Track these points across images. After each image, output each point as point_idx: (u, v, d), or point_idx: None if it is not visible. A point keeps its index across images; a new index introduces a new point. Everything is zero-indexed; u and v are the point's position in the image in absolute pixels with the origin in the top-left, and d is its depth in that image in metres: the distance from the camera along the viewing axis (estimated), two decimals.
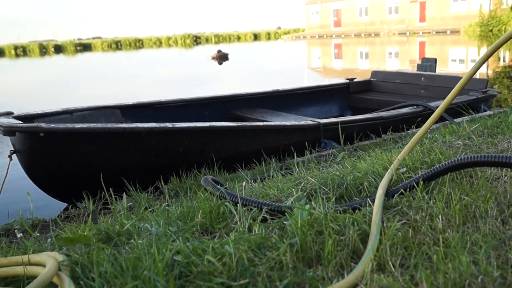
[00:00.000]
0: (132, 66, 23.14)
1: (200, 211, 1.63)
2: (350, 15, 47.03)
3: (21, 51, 47.36)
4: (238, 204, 1.56)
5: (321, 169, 2.42)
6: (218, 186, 1.71)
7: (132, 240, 1.45)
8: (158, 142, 3.28)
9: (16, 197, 3.10)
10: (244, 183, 1.97)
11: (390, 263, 1.13)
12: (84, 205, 2.52)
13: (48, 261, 1.16)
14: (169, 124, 3.24)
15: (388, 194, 1.58)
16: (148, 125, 3.17)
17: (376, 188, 1.63)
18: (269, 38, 58.05)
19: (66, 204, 3.29)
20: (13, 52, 46.39)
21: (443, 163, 1.59)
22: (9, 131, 2.83)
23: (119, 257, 1.22)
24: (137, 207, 2.25)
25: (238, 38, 58.66)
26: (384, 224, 1.33)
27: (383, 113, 4.08)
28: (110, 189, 2.38)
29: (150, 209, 2.23)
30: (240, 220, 1.49)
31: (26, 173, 3.15)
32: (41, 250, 1.46)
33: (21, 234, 1.82)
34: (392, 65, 14.95)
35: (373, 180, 1.74)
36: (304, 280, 1.09)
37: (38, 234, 1.81)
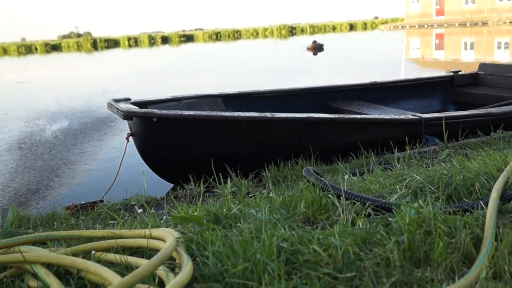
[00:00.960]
0: (230, 56, 23.78)
1: (303, 201, 1.67)
2: (455, 3, 43.92)
3: (133, 42, 51.00)
4: (341, 197, 1.58)
5: (424, 166, 2.34)
6: (322, 178, 1.74)
7: (238, 224, 1.53)
8: (258, 131, 3.38)
9: (131, 175, 3.38)
10: (346, 176, 1.97)
11: (508, 273, 1.08)
12: (190, 187, 2.68)
13: (168, 236, 1.27)
14: (268, 114, 3.32)
15: (504, 198, 1.50)
16: (249, 114, 3.28)
17: (489, 190, 1.55)
18: (365, 28, 56.35)
19: (172, 185, 3.52)
20: (126, 43, 50.01)
21: None
22: (128, 115, 3.10)
23: (230, 238, 1.30)
24: (238, 193, 2.35)
25: (334, 28, 57.67)
26: (500, 230, 1.27)
27: (493, 109, 3.82)
28: (214, 174, 2.52)
29: (250, 195, 2.32)
30: (343, 213, 1.51)
31: (139, 154, 3.42)
32: (157, 226, 1.59)
33: (141, 209, 2.00)
34: (501, 57, 13.81)
35: (485, 181, 1.66)
36: (412, 280, 1.09)
37: (154, 211, 1.97)
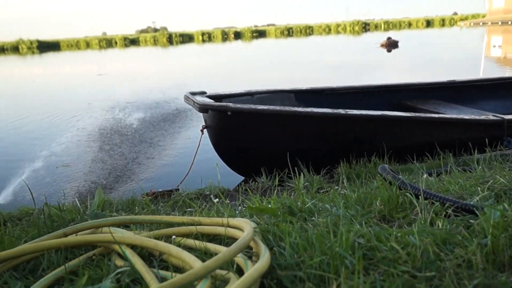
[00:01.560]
0: (301, 52, 23.71)
1: (379, 198, 1.65)
2: None
3: (207, 37, 52.35)
4: (420, 197, 1.54)
5: (507, 169, 2.23)
6: (399, 176, 1.71)
7: (313, 218, 1.54)
8: (330, 128, 3.37)
9: (204, 167, 3.50)
10: (425, 176, 1.92)
11: None
12: (262, 180, 2.73)
13: (245, 226, 1.31)
14: (342, 111, 3.30)
15: None
16: (322, 110, 3.27)
17: None
18: (443, 25, 53.78)
19: (242, 178, 3.60)
20: (200, 38, 51.45)
21: None
22: (203, 108, 3.20)
23: (306, 231, 1.32)
24: (310, 188, 2.36)
25: (409, 24, 55.55)
26: None
27: None
28: (288, 167, 2.54)
29: (322, 191, 2.33)
30: (421, 212, 1.48)
31: (213, 147, 3.53)
32: (232, 216, 1.64)
33: (217, 199, 2.07)
34: None
35: None
36: (496, 284, 1.05)
37: (228, 201, 2.04)
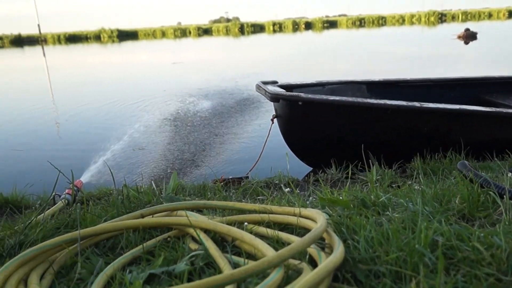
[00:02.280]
0: (373, 43, 23.05)
1: (458, 196, 1.58)
2: None
3: (278, 27, 52.44)
4: (504, 196, 1.45)
5: None
6: (481, 174, 1.61)
7: (387, 212, 1.50)
8: (404, 121, 3.26)
9: (272, 156, 3.51)
10: (510, 174, 1.80)
11: None
12: (331, 171, 2.69)
13: (318, 217, 1.30)
14: (416, 104, 3.18)
15: None
16: (395, 102, 3.17)
17: None
18: None
19: (310, 168, 3.58)
20: (271, 28, 51.62)
21: None
22: (275, 97, 3.21)
23: (382, 226, 1.28)
24: (382, 182, 2.29)
25: (489, 15, 52.03)
26: None
27: None
28: (363, 160, 2.49)
29: (393, 185, 2.25)
30: (506, 213, 1.39)
31: (282, 136, 3.53)
32: (303, 206, 1.63)
33: (288, 189, 2.07)
34: None
35: None
36: None
37: (299, 191, 2.03)
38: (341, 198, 1.63)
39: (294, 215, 1.42)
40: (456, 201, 1.55)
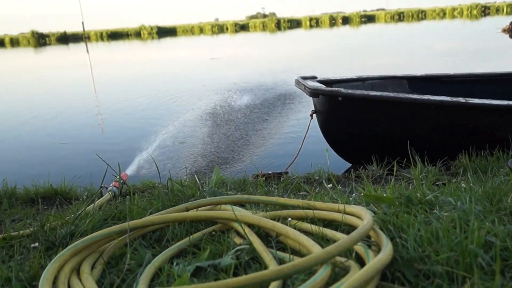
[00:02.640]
0: (413, 38, 22.49)
1: (510, 195, 1.52)
2: None
3: (314, 22, 52.04)
4: None
5: None
6: None
7: (434, 211, 1.46)
8: (448, 117, 3.17)
9: (311, 151, 3.49)
10: None
11: None
12: (372, 168, 2.65)
13: (364, 214, 1.28)
14: (461, 99, 3.08)
15: None
16: (439, 98, 3.08)
17: None
18: None
19: (349, 165, 3.53)
20: (308, 23, 51.27)
21: None
22: (314, 93, 3.18)
23: (430, 224, 1.25)
24: (427, 179, 2.24)
25: None
26: None
27: None
28: (410, 156, 2.44)
29: (438, 183, 2.19)
30: None
31: (321, 132, 3.50)
32: (347, 203, 1.61)
33: (330, 185, 2.05)
34: None
35: None
36: None
37: (341, 187, 2.01)
38: (385, 195, 1.60)
39: (339, 211, 1.41)
40: (508, 201, 1.49)
